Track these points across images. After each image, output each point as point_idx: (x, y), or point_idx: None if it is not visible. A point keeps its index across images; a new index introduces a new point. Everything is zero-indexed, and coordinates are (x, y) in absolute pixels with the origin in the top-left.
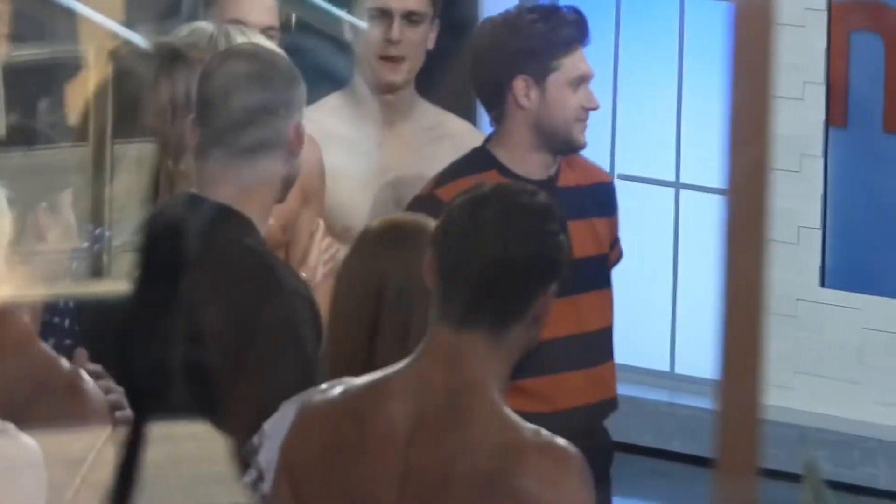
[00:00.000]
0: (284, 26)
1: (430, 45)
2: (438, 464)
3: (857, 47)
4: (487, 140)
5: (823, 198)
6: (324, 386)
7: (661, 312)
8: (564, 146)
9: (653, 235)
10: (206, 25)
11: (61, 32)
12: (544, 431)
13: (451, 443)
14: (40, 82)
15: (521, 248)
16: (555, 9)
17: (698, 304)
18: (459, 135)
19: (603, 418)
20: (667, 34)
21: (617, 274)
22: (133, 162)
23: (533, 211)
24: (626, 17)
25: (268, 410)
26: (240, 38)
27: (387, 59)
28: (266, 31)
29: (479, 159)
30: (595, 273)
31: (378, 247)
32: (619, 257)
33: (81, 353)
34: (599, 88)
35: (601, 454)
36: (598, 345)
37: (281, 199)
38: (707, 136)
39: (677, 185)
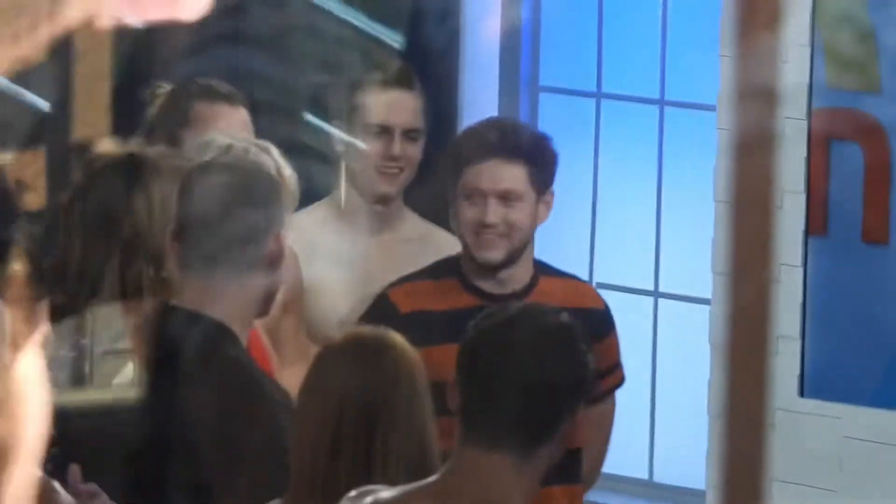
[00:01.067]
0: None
1: (420, 156)
2: None
3: (837, 156)
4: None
5: (802, 307)
6: (353, 493)
7: (639, 421)
8: (475, 262)
9: (631, 344)
10: (220, 138)
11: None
12: None
13: None
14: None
15: (555, 371)
16: (475, 124)
17: (677, 412)
18: (444, 246)
19: None
20: (646, 143)
21: None
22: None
23: (563, 331)
24: (606, 125)
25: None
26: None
27: (385, 173)
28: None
29: (444, 266)
30: None
31: (339, 362)
32: (619, 382)
33: (75, 470)
34: (579, 196)
35: None
36: (578, 462)
37: (265, 312)
38: (685, 246)
39: (656, 294)
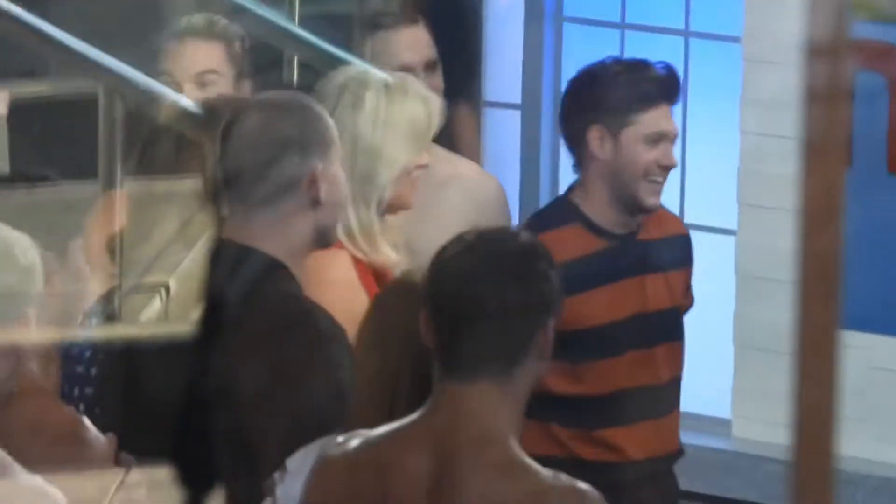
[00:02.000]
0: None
1: (441, 85)
2: None
3: (863, 87)
4: (570, 189)
5: None
6: (341, 438)
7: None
8: (633, 204)
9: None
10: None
11: (68, 69)
12: (564, 476)
13: (473, 493)
14: (46, 119)
15: (514, 292)
16: (644, 64)
17: (703, 343)
18: (468, 178)
19: (669, 466)
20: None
21: None
22: (144, 200)
23: (518, 254)
24: (630, 56)
25: (296, 448)
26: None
27: None
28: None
29: (564, 211)
30: (669, 326)
31: (398, 305)
32: (690, 305)
33: (112, 439)
34: None
35: (667, 501)
36: (667, 396)
37: (322, 245)
38: (711, 177)
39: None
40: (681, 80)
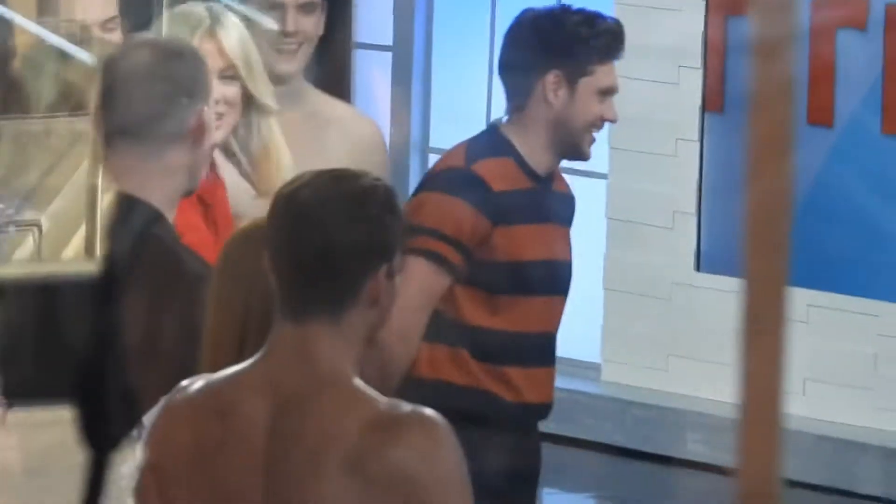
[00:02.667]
0: None
1: (320, 30)
2: (304, 454)
3: (734, 32)
4: (498, 124)
5: (699, 182)
6: (185, 382)
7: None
8: (573, 151)
9: None
10: (196, 6)
11: None
12: (406, 403)
13: (315, 431)
14: None
15: (341, 233)
16: (599, 16)
17: (574, 286)
18: (346, 120)
19: (544, 418)
20: None
21: None
22: (19, 139)
23: (350, 196)
24: (501, 21)
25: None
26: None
27: (282, 50)
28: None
29: (499, 143)
30: (567, 279)
31: (249, 248)
32: None
33: None
34: (476, 70)
35: (535, 453)
36: (554, 347)
37: (192, 190)
38: None
39: None
40: (624, 37)
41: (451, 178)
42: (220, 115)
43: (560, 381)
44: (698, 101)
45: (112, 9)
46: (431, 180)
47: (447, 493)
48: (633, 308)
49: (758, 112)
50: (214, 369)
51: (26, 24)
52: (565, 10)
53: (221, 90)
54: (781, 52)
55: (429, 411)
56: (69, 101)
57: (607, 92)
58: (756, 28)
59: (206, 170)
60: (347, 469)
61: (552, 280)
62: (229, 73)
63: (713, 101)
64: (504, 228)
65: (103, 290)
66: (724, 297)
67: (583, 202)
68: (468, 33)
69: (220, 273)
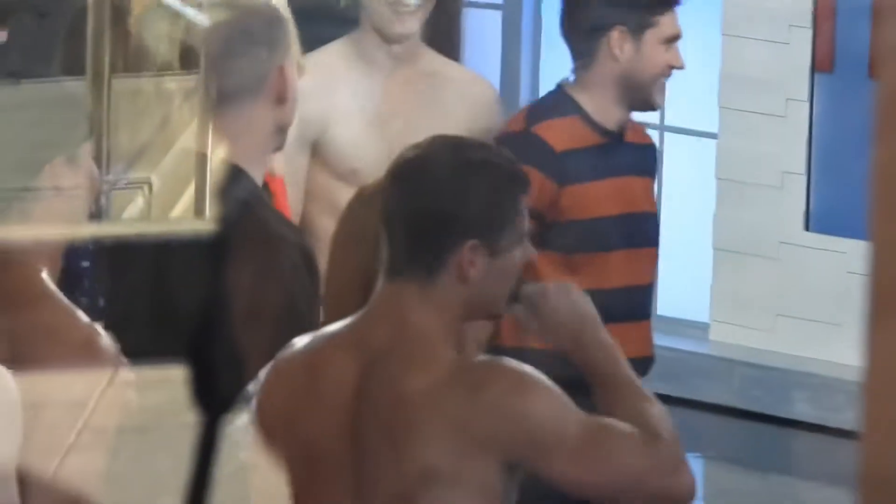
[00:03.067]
0: None
1: None
2: (388, 410)
3: None
4: (563, 84)
5: (808, 143)
6: (295, 340)
7: (700, 262)
8: (643, 103)
9: None
10: None
11: None
12: (485, 356)
13: (398, 387)
14: (29, 17)
15: (435, 200)
16: None
17: (683, 246)
18: (463, 82)
19: (642, 373)
20: None
21: None
22: (128, 97)
23: (454, 167)
24: None
25: (264, 358)
26: None
27: (400, 12)
28: None
29: (563, 103)
30: (652, 229)
31: (374, 206)
32: None
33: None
34: None
35: None
36: (647, 300)
37: (278, 147)
38: (692, 79)
39: (662, 128)
40: None
41: (511, 142)
42: None
43: (668, 341)
44: (808, 62)
45: None
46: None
47: (550, 418)
48: (742, 269)
49: (887, 69)
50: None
51: None
52: None
53: None
54: None
55: (515, 362)
56: (182, 61)
57: (672, 39)
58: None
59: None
60: (439, 420)
61: (633, 233)
62: None
63: (823, 61)
64: (573, 187)
65: (210, 252)
66: (832, 257)
67: (692, 161)
68: None
69: (339, 235)
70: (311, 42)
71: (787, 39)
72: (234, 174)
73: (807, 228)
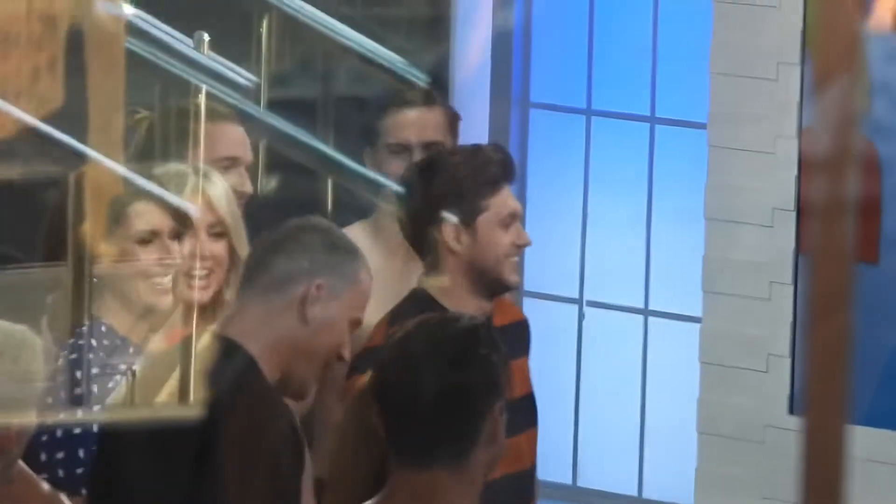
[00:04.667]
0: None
1: None
2: None
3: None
4: (420, 285)
5: (793, 325)
6: None
7: (629, 437)
8: (497, 286)
9: (621, 361)
10: (180, 166)
11: (36, 152)
12: None
13: None
14: (12, 202)
15: (456, 375)
16: (477, 148)
17: (667, 429)
18: None
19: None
20: (637, 160)
21: (586, 399)
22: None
23: (460, 336)
24: (596, 142)
25: None
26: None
27: None
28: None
29: (421, 303)
30: (528, 411)
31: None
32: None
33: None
34: (569, 214)
35: None
36: (531, 482)
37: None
38: (676, 264)
39: (646, 312)
40: (513, 160)
41: (374, 357)
42: (209, 272)
43: None
44: (792, 244)
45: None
46: (355, 361)
47: None
48: (727, 452)
49: (818, 268)
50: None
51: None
52: (443, 153)
53: (210, 247)
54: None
55: None
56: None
57: (510, 219)
58: (816, 192)
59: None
60: None
61: (509, 421)
62: (218, 230)
63: (808, 243)
64: None
65: (201, 435)
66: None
67: (676, 345)
68: (562, 180)
69: (351, 420)
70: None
71: (770, 223)
72: (242, 357)
73: (791, 412)
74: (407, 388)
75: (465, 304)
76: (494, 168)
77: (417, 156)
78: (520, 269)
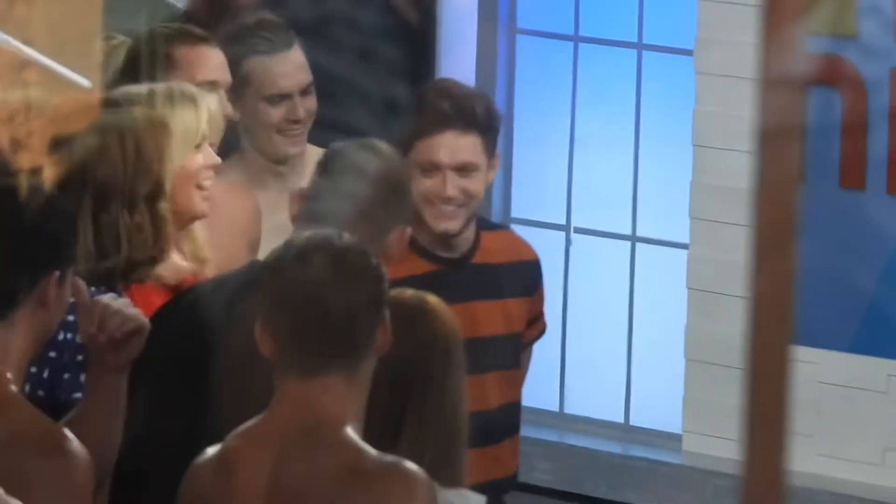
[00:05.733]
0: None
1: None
2: (292, 497)
3: (814, 102)
4: None
5: None
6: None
7: (616, 365)
8: (429, 231)
9: (609, 288)
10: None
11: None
12: (392, 456)
13: (302, 473)
14: None
15: (360, 291)
16: (434, 87)
17: (654, 356)
18: None
19: (499, 496)
20: (624, 87)
21: (573, 326)
22: None
23: (355, 253)
24: (584, 69)
25: None
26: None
27: (288, 135)
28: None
29: None
30: (500, 353)
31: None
32: (541, 332)
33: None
34: (556, 141)
35: None
36: (497, 423)
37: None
38: (663, 190)
39: (633, 239)
40: (473, 108)
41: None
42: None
43: (640, 451)
44: None
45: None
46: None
47: None
48: (714, 379)
49: (762, 203)
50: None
51: None
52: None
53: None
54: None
55: (411, 465)
56: None
57: (433, 167)
58: (762, 116)
59: None
60: None
61: (474, 359)
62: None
63: None
64: None
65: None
66: (803, 367)
67: (663, 272)
68: (549, 107)
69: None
70: None
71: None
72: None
73: None
74: (310, 304)
75: (428, 243)
76: (423, 115)
77: (299, 103)
78: (508, 197)
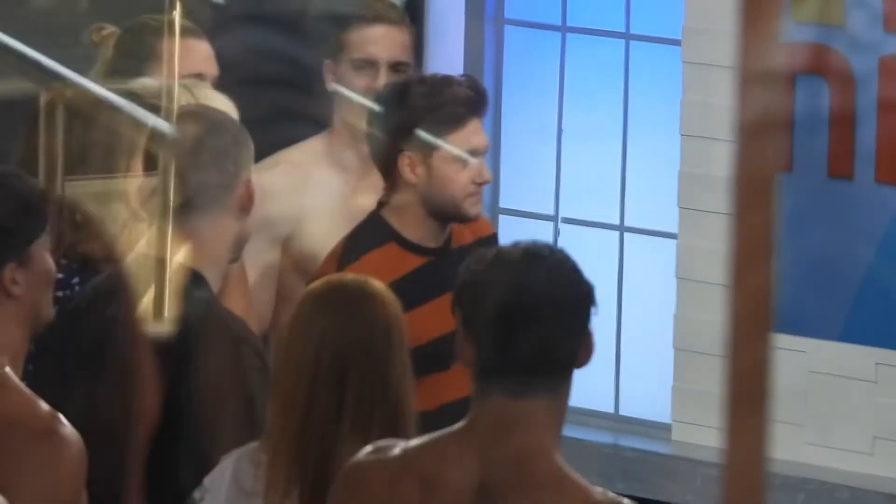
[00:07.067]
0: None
1: None
2: None
3: (802, 91)
4: (381, 205)
5: None
6: (371, 447)
7: (605, 354)
8: (455, 218)
9: (597, 278)
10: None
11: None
12: (611, 493)
13: None
14: None
15: (572, 302)
16: (446, 81)
17: (643, 346)
18: None
19: None
20: (612, 77)
21: None
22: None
23: (564, 260)
24: (571, 59)
25: (211, 463)
26: (195, 93)
27: None
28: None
29: (378, 231)
30: None
31: (319, 307)
32: None
33: None
34: (544, 131)
35: None
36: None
37: (236, 258)
38: (651, 180)
39: (622, 229)
40: (485, 93)
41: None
42: None
43: (629, 441)
44: None
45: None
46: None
47: None
48: (703, 368)
49: (742, 206)
50: (284, 429)
51: (95, 87)
52: (412, 82)
53: None
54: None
55: (629, 501)
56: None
57: (472, 154)
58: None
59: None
60: None
61: None
62: None
63: (782, 160)
64: None
65: (168, 353)
66: (792, 356)
67: (652, 261)
68: (537, 97)
69: (291, 333)
70: None
71: None
72: (195, 279)
73: None
74: (521, 312)
75: (421, 231)
76: (458, 103)
77: (384, 74)
78: (496, 188)
